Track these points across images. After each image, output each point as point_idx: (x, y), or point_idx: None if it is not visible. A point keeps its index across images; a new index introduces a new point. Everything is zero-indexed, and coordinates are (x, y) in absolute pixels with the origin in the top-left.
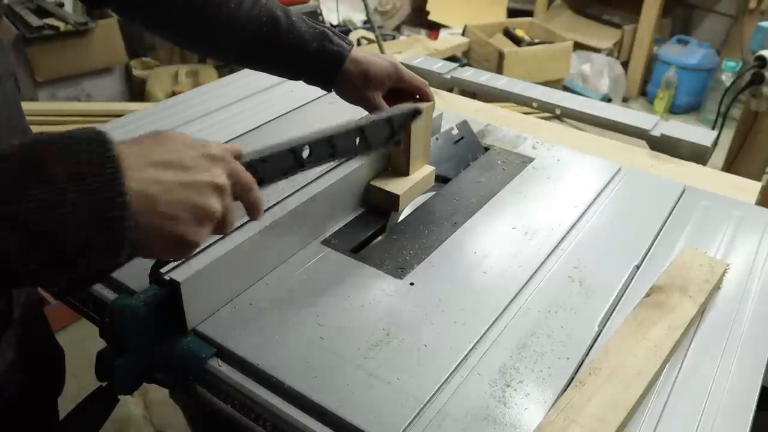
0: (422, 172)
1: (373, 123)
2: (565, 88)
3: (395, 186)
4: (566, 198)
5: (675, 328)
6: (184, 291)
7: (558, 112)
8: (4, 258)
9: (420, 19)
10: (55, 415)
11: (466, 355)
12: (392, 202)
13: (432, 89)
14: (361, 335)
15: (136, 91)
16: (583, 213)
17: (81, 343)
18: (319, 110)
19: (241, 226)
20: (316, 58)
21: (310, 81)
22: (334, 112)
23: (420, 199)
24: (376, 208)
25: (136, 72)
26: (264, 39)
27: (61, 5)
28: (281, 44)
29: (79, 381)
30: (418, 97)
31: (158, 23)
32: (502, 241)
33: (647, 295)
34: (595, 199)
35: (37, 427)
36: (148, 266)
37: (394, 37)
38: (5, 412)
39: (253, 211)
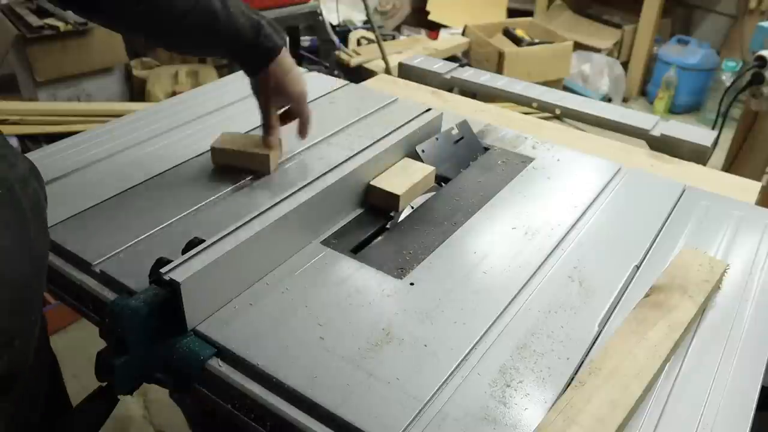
0: (423, 171)
1: None
2: (565, 88)
3: (395, 186)
4: (566, 198)
5: (675, 328)
6: (184, 291)
7: (558, 112)
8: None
9: (420, 19)
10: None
11: (466, 355)
12: (392, 202)
13: (432, 89)
14: (361, 335)
15: (136, 91)
16: (583, 213)
17: (81, 343)
18: (319, 111)
19: (241, 226)
20: (248, 51)
21: (242, 66)
22: (333, 113)
23: (420, 199)
24: (377, 208)
25: (136, 72)
26: (201, 31)
27: None
28: (217, 34)
29: (79, 381)
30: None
31: (94, 9)
32: (502, 241)
33: (647, 295)
34: (595, 199)
35: None
36: (148, 266)
37: (394, 37)
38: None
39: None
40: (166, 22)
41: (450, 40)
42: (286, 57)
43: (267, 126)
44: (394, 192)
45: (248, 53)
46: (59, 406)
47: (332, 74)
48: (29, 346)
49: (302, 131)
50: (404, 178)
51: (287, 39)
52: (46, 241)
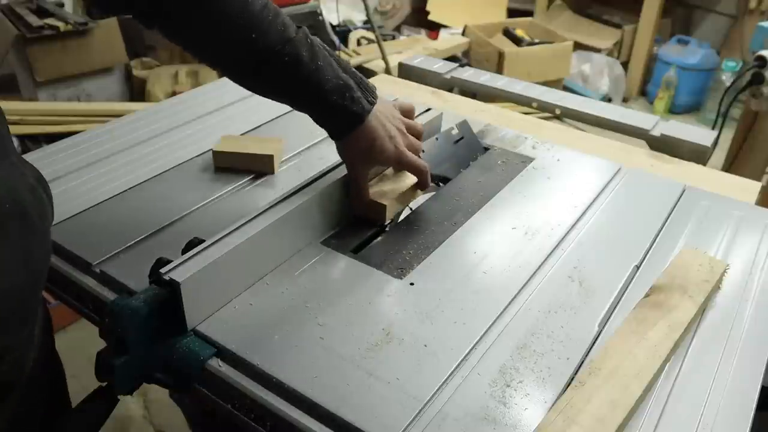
0: (412, 179)
1: None
2: (565, 88)
3: (382, 195)
4: (566, 198)
5: (675, 328)
6: (184, 291)
7: (558, 112)
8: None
9: (420, 19)
10: None
11: (466, 355)
12: (379, 211)
13: (432, 89)
14: (361, 335)
15: (136, 91)
16: (583, 213)
17: (81, 343)
18: None
19: (241, 226)
20: (333, 113)
21: (320, 125)
22: None
23: (420, 199)
24: (363, 218)
25: (136, 72)
26: (282, 78)
27: (61, 5)
28: (299, 88)
29: (79, 381)
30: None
31: (177, 35)
32: (502, 241)
33: (647, 295)
34: (595, 199)
35: None
36: (148, 266)
37: (394, 37)
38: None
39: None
40: (246, 62)
41: (450, 40)
42: (374, 120)
43: (354, 192)
44: (381, 201)
45: (329, 115)
46: (59, 409)
47: None
48: (25, 359)
49: (421, 185)
50: (393, 187)
51: (376, 96)
52: (47, 251)
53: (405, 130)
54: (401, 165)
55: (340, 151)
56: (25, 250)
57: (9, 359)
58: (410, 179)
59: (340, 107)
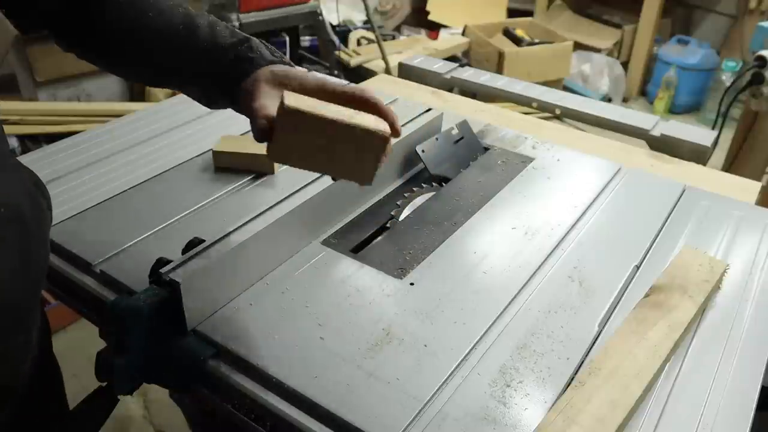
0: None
1: None
2: (565, 88)
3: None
4: (566, 198)
5: (675, 328)
6: (184, 291)
7: (558, 112)
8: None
9: (420, 19)
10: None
11: (466, 355)
12: (293, 121)
13: (432, 89)
14: (361, 335)
15: (136, 91)
16: (583, 213)
17: (81, 343)
18: None
19: (241, 226)
20: (230, 61)
21: (222, 92)
22: None
23: (420, 199)
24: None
25: None
26: (177, 48)
27: None
28: (196, 51)
29: (79, 381)
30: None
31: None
32: (502, 241)
33: (647, 295)
34: (595, 199)
35: None
36: (148, 266)
37: (394, 37)
38: None
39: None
40: (142, 44)
41: (450, 40)
42: (287, 69)
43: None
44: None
45: (229, 68)
46: (57, 412)
47: (332, 74)
48: (22, 365)
49: (387, 120)
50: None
51: (283, 60)
52: (45, 256)
53: None
54: (326, 86)
55: (240, 101)
56: (21, 257)
57: (6, 365)
58: (367, 120)
59: (237, 54)
